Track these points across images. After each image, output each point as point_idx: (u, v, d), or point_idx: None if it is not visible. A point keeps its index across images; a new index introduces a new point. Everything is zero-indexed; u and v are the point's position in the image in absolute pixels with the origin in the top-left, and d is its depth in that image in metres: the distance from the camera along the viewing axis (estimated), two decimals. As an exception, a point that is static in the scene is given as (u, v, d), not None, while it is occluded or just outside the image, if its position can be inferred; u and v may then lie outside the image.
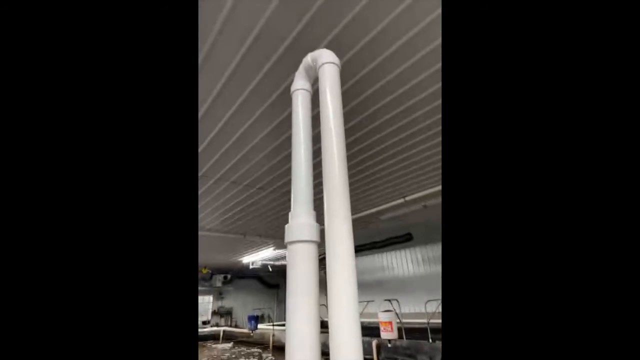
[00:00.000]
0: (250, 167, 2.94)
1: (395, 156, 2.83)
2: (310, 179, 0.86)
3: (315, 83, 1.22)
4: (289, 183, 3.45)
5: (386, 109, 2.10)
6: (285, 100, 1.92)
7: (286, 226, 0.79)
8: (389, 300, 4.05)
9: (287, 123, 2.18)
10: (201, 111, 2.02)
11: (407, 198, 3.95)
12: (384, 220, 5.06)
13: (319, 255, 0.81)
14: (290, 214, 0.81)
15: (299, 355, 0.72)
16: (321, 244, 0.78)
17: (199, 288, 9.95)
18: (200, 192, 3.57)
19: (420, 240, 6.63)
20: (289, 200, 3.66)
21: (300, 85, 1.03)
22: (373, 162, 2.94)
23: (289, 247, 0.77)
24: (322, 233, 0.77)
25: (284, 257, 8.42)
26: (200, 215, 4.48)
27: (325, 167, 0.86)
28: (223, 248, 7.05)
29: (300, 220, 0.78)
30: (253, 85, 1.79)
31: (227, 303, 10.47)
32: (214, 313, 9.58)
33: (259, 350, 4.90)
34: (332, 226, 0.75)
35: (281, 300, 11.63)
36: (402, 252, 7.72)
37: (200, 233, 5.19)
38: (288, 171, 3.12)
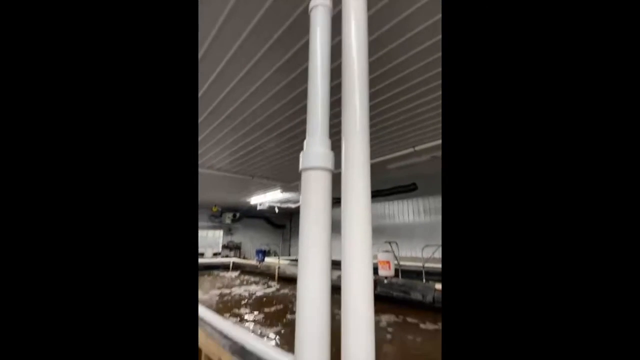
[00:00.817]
0: (257, 108, 2.87)
1: (407, 105, 2.71)
2: (327, 105, 0.83)
3: (337, 6, 1.11)
4: (296, 127, 3.42)
5: (411, 62, 1.95)
6: (295, 33, 1.78)
7: (301, 153, 0.79)
8: (389, 242, 4.29)
9: (295, 60, 2.05)
10: (205, 44, 1.89)
11: (417, 148, 3.90)
12: (391, 169, 5.08)
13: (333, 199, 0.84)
14: (305, 142, 0.81)
15: (310, 281, 0.78)
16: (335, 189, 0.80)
17: (210, 224, 10.62)
18: (208, 130, 3.56)
19: (424, 191, 6.74)
20: (297, 144, 3.67)
21: (319, 1, 0.93)
22: (387, 108, 2.83)
23: (303, 174, 0.79)
24: (337, 177, 0.78)
25: (290, 200, 8.74)
26: (210, 154, 4.54)
27: (345, 102, 0.82)
28: (232, 188, 7.30)
29: (315, 148, 0.77)
30: (260, 15, 1.64)
31: (236, 238, 11.26)
32: (224, 247, 10.36)
33: (265, 279, 5.41)
34: (350, 170, 0.75)
35: (286, 239, 12.43)
36: (405, 201, 7.92)
37: (210, 172, 5.33)
38: (296, 114, 3.07)
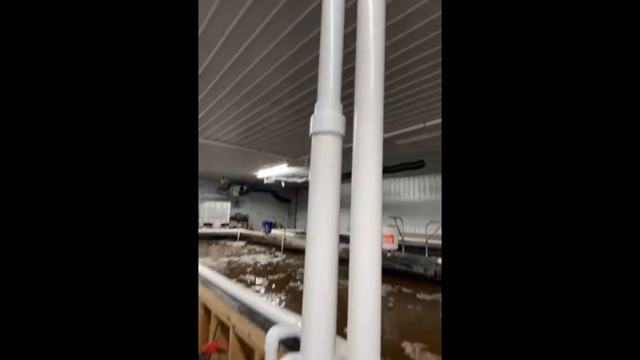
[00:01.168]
0: (260, 81, 2.81)
1: (420, 77, 2.61)
2: (339, 67, 0.80)
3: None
4: (302, 100, 3.35)
5: (428, 28, 1.84)
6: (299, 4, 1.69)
7: (312, 117, 0.78)
8: (394, 217, 4.34)
9: (302, 28, 1.96)
10: (208, 15, 1.81)
11: (428, 124, 3.82)
12: (400, 145, 5.02)
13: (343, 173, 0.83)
14: (316, 105, 0.79)
15: (319, 245, 0.79)
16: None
17: (218, 196, 10.83)
18: (213, 103, 3.52)
19: (431, 168, 6.67)
20: (301, 119, 3.60)
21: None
22: (400, 79, 2.74)
23: (313, 138, 0.78)
24: (347, 151, 0.77)
25: (296, 175, 8.78)
26: (216, 127, 4.52)
27: (359, 68, 0.79)
28: (239, 161, 7.34)
29: (327, 112, 0.76)
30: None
31: (243, 211, 11.51)
32: (231, 218, 10.63)
33: (271, 249, 5.59)
34: (363, 143, 0.73)
35: (292, 214, 12.66)
36: (412, 178, 7.89)
37: (216, 144, 5.34)
38: (301, 87, 2.99)
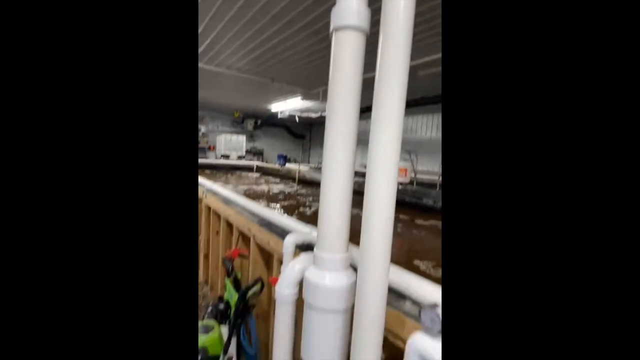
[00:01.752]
0: None
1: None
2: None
3: None
4: (317, 20, 3.04)
5: None
6: None
7: (332, 9, 0.73)
8: (408, 152, 4.32)
9: None
10: None
11: (456, 49, 3.47)
12: (421, 77, 4.68)
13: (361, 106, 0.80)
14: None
15: (336, 154, 0.81)
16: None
17: (233, 129, 10.90)
18: (222, 24, 3.27)
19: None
20: (317, 43, 3.32)
21: None
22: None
23: (334, 35, 0.74)
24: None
25: (310, 109, 8.55)
26: (227, 52, 4.30)
27: None
28: (252, 93, 7.14)
29: (348, 2, 0.70)
30: None
31: (258, 145, 11.67)
32: (247, 152, 10.86)
33: (286, 181, 5.82)
34: (387, 68, 0.65)
35: (306, 150, 12.74)
36: (431, 115, 7.57)
37: (228, 72, 5.15)
38: (313, 6, 2.68)
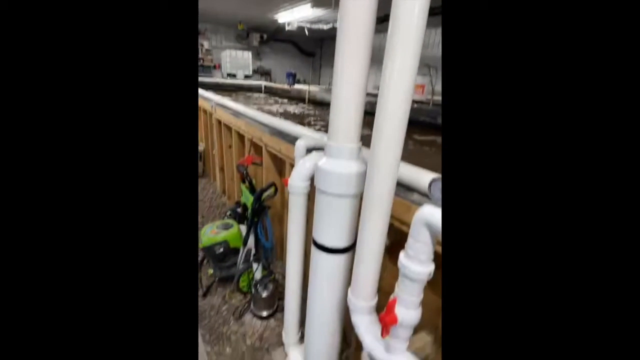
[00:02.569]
0: None
1: None
2: None
3: None
4: None
5: None
6: None
7: None
8: (428, 66, 3.97)
9: None
10: None
11: None
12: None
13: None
14: None
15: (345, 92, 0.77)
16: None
17: (238, 45, 10.07)
18: None
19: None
20: None
21: None
22: None
23: None
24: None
25: (321, 20, 7.65)
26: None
27: None
28: (256, -2, 6.34)
29: None
30: None
31: (265, 64, 10.91)
32: (254, 71, 10.24)
33: (296, 101, 5.62)
34: None
35: (316, 69, 11.90)
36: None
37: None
38: None
